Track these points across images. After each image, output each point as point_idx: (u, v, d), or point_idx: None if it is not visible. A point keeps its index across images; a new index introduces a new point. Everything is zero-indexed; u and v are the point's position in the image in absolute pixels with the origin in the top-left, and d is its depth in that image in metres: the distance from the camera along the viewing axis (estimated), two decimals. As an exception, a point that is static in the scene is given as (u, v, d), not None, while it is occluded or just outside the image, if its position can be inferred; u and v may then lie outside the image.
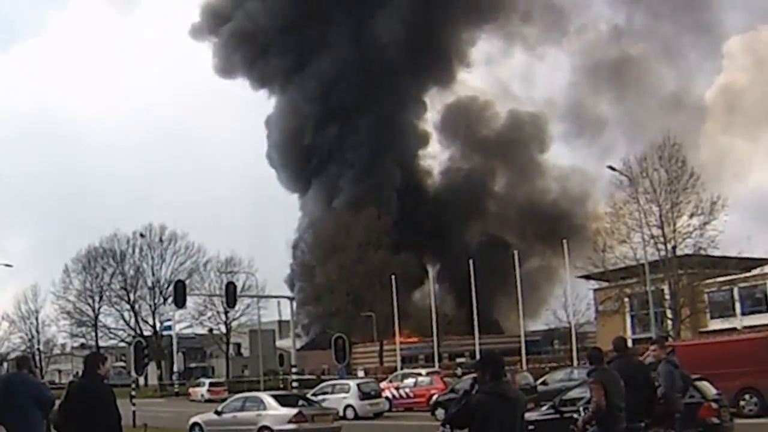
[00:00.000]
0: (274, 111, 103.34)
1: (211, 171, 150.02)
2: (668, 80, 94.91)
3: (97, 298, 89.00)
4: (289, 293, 57.24)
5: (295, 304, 57.91)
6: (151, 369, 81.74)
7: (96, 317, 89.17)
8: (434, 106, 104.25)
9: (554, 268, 77.64)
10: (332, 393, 37.68)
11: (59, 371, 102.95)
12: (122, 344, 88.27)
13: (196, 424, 25.94)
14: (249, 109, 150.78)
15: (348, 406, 36.31)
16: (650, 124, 77.01)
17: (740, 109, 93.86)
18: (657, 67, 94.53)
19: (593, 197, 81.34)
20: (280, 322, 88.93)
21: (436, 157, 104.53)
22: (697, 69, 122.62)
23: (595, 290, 63.84)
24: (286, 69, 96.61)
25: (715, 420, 15.89)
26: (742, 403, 25.35)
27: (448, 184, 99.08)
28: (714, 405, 16.19)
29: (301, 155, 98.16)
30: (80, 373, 9.96)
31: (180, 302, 40.89)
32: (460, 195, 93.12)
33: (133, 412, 30.80)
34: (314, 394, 36.33)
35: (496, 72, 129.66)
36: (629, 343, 19.37)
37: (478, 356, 7.92)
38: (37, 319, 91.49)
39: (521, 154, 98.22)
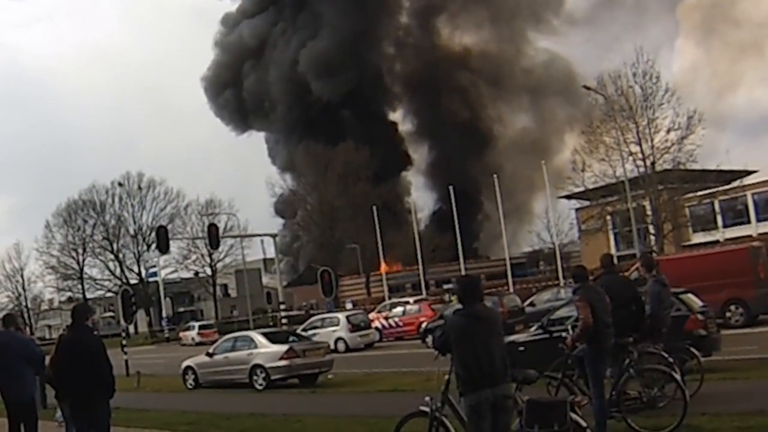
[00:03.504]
0: None
1: (187, 116, 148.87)
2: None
3: (80, 251, 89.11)
4: (271, 231, 56.90)
5: (278, 241, 57.82)
6: (140, 317, 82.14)
7: (81, 269, 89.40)
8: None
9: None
10: (322, 327, 37.99)
11: (49, 326, 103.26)
12: (109, 294, 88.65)
13: (189, 367, 25.99)
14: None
15: (339, 339, 36.65)
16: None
17: (714, 21, 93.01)
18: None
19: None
20: (265, 260, 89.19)
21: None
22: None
23: (577, 209, 63.91)
24: None
25: (702, 332, 15.97)
26: (728, 314, 25.74)
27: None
28: (700, 317, 16.27)
29: None
30: (68, 326, 9.84)
31: (163, 248, 40.84)
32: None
33: (126, 361, 30.99)
34: (304, 330, 36.59)
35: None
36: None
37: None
38: (22, 276, 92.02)
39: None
